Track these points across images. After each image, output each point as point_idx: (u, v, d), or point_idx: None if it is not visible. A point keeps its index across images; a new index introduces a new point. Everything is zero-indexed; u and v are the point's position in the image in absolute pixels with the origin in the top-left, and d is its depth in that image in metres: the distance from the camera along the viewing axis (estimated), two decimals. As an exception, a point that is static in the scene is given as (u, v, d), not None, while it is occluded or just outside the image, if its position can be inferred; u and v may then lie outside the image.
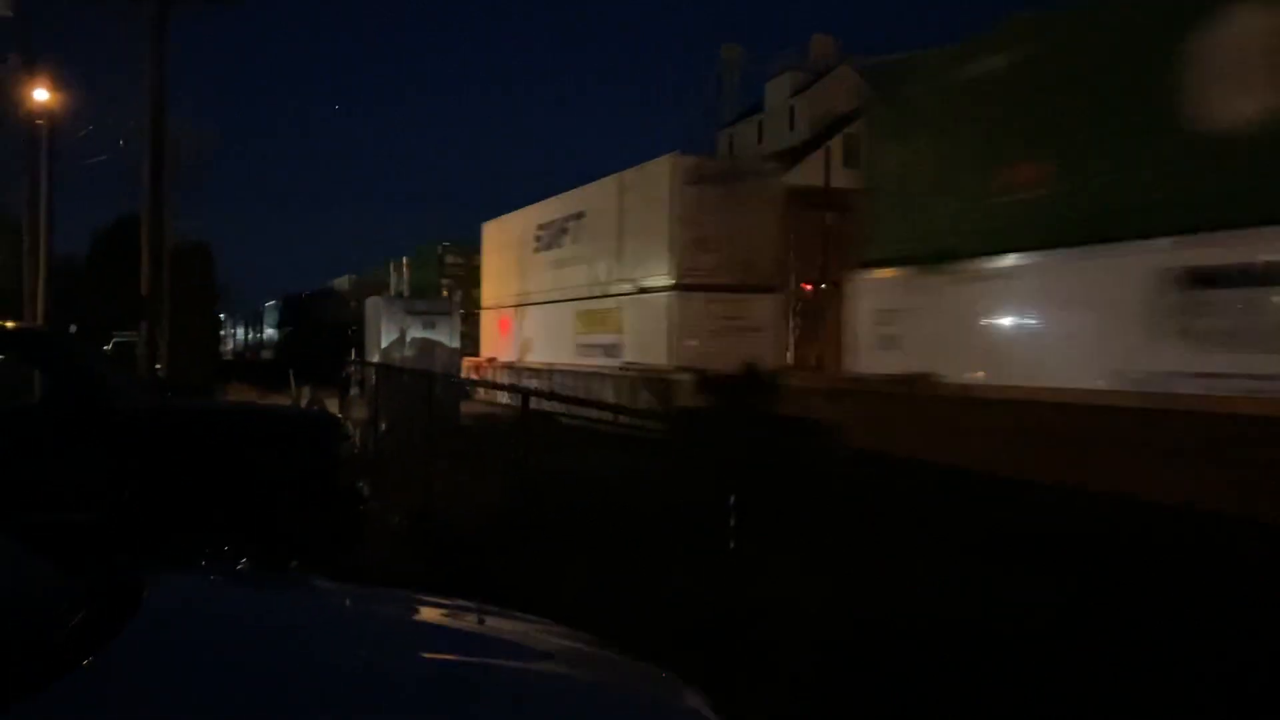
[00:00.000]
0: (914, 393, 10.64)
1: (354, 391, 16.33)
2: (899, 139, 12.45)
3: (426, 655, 2.27)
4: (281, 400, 18.39)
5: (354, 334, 32.82)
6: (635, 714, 2.20)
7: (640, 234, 18.36)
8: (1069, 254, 9.66)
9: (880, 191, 12.60)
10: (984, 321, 10.75)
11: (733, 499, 4.72)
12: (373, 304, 20.04)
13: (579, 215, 21.74)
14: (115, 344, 37.77)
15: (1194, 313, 8.54)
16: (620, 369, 18.26)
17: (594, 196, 20.88)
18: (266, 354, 58.08)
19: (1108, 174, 9.51)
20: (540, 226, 23.86)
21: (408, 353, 18.08)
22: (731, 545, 4.73)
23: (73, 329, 31.21)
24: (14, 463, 5.82)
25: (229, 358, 59.62)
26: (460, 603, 2.87)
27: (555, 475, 7.20)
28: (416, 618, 2.76)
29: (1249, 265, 8.25)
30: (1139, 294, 8.90)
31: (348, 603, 2.77)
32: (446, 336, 18.83)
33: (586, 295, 20.71)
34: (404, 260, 36.27)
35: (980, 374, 10.46)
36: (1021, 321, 10.54)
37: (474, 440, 10.35)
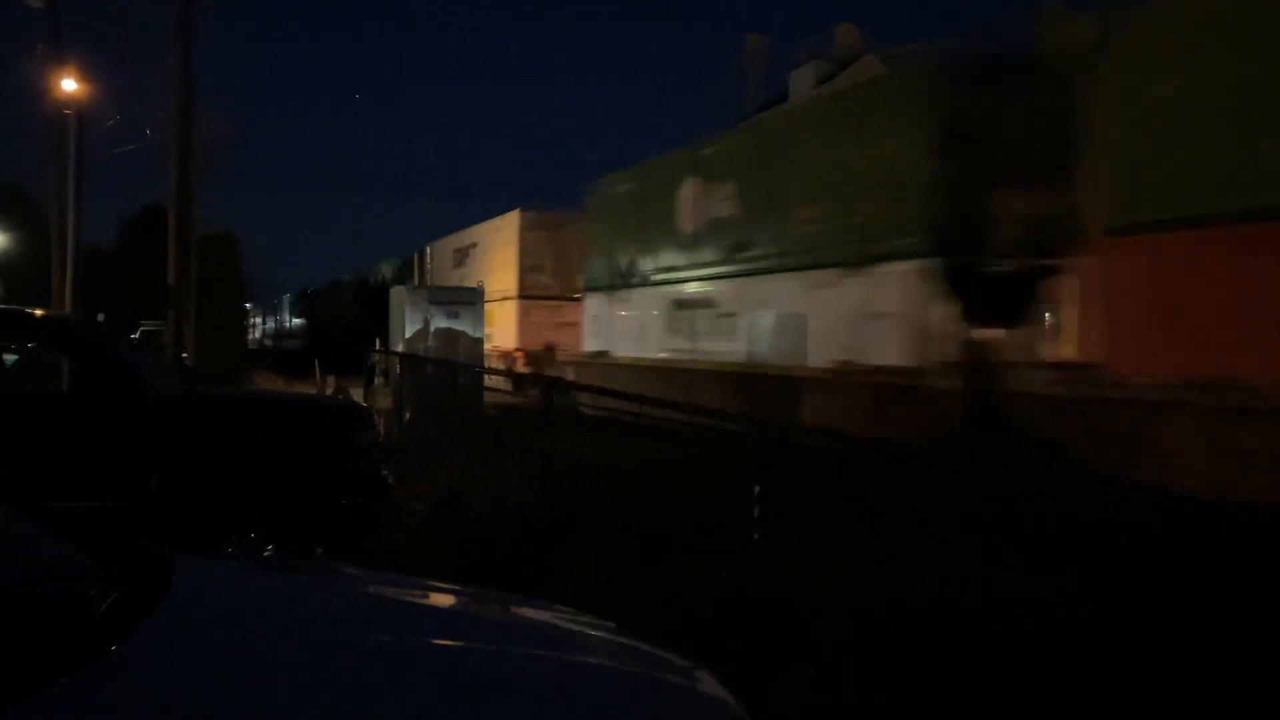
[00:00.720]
0: (601, 361, 20.72)
1: (378, 380, 16.40)
2: (599, 218, 22.52)
3: (449, 642, 2.28)
4: (307, 389, 18.49)
5: (348, 325, 36.26)
6: (658, 701, 2.20)
7: (501, 261, 27.67)
8: (646, 290, 19.90)
9: (592, 246, 22.59)
10: (623, 324, 20.77)
11: (756, 489, 4.72)
12: (397, 293, 20.08)
13: (474, 245, 30.75)
14: (142, 332, 38.17)
15: (678, 321, 18.45)
16: (490, 350, 26.08)
17: (481, 232, 30.08)
18: (285, 343, 59.44)
19: (653, 254, 19.60)
20: (455, 250, 32.64)
21: (431, 342, 18.11)
22: (755, 536, 4.73)
23: (100, 317, 31.53)
24: (43, 450, 5.88)
25: (254, 347, 60.23)
26: (483, 590, 2.88)
27: (576, 464, 7.21)
28: (440, 605, 2.78)
29: (694, 299, 17.96)
30: (665, 311, 18.98)
31: (372, 590, 2.78)
32: (470, 326, 18.83)
33: None
34: (428, 249, 36.74)
35: (624, 350, 20.37)
36: (635, 324, 20.25)
37: (496, 429, 10.39)
